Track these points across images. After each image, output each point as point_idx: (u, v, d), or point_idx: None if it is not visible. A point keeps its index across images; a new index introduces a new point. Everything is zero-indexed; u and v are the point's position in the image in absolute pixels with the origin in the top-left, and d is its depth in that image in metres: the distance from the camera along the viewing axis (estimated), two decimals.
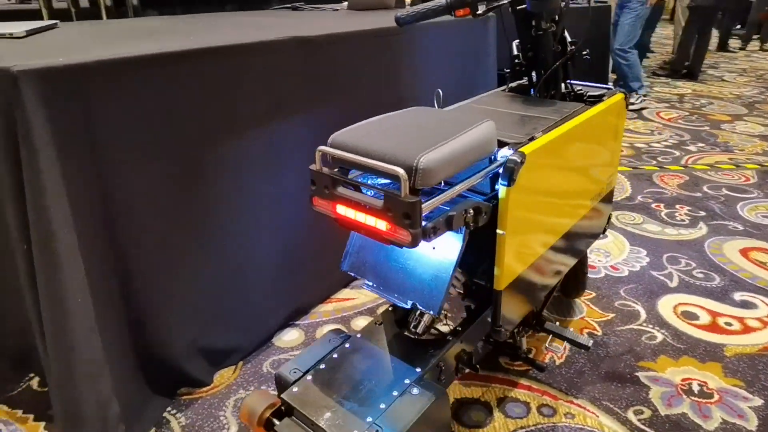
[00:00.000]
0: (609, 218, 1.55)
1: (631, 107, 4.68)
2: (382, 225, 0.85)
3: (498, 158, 1.02)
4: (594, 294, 1.93)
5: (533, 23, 1.28)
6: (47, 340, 1.04)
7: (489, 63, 2.70)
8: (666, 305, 1.87)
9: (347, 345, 1.12)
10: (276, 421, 0.99)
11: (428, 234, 0.84)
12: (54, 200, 1.00)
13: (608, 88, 1.41)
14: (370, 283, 1.06)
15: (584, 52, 1.36)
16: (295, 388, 1.01)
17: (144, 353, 1.33)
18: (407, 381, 1.01)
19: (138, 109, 1.14)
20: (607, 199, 1.48)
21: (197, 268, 1.40)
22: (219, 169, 1.38)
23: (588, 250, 1.70)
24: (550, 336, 1.43)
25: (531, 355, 1.57)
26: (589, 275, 2.03)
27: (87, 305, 1.08)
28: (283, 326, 1.74)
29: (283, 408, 1.00)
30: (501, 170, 0.95)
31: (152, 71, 1.14)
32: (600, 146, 1.31)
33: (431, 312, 0.97)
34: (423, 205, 0.82)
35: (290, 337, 1.70)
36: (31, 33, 1.39)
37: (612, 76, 5.14)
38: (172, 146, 1.25)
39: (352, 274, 1.09)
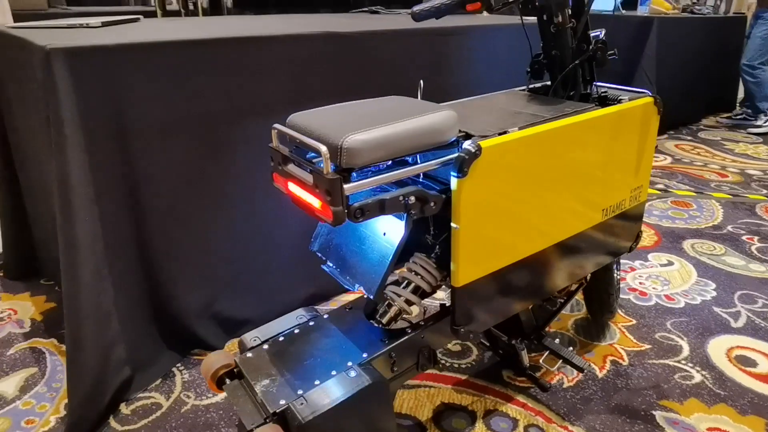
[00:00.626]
0: (638, 237, 1.41)
1: (754, 130, 4.14)
2: (315, 202, 0.87)
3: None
4: (634, 321, 1.76)
5: (551, 20, 1.22)
6: (61, 279, 1.21)
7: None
8: (718, 346, 1.64)
9: (311, 323, 1.15)
10: (227, 381, 1.05)
11: (355, 214, 0.85)
12: (74, 161, 1.16)
13: (643, 92, 1.29)
14: (331, 265, 1.08)
15: (610, 52, 1.26)
16: (249, 354, 1.07)
17: (159, 310, 1.47)
18: (350, 363, 1.01)
19: (161, 85, 1.28)
20: (633, 215, 1.35)
21: (216, 238, 1.51)
22: (243, 146, 1.49)
23: (615, 270, 1.56)
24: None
25: (539, 374, 1.48)
26: (638, 303, 1.85)
27: (96, 252, 1.23)
28: (299, 306, 1.80)
29: (235, 370, 1.06)
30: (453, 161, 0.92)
31: (174, 54, 1.28)
32: (613, 152, 1.21)
33: (370, 296, 0.97)
34: (348, 185, 0.83)
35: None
36: (106, 24, 1.62)
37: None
38: (195, 122, 1.38)
39: (319, 255, 1.13)
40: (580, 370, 1.32)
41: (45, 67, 1.11)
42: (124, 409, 1.38)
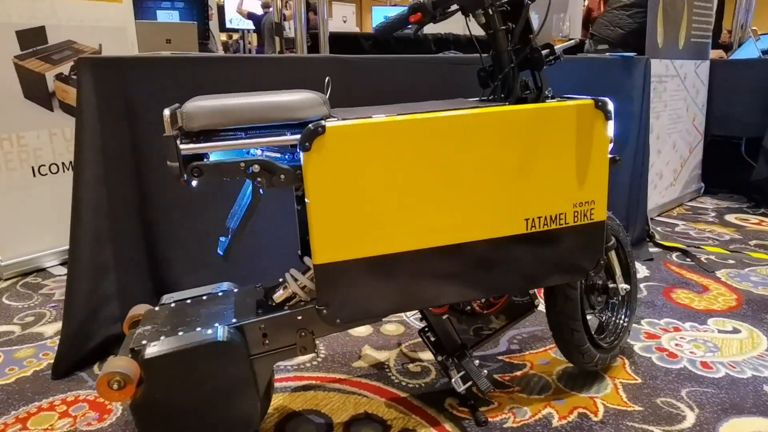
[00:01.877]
0: (598, 263, 1.23)
1: None
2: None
3: None
4: (639, 380, 1.48)
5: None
6: (69, 239, 1.52)
7: (630, 108, 2.34)
8: (739, 428, 1.29)
9: (219, 293, 1.25)
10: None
11: (192, 172, 0.96)
12: (88, 145, 1.48)
13: (601, 100, 1.18)
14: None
15: (548, 55, 1.19)
16: (157, 308, 1.21)
17: (157, 284, 1.71)
18: (217, 324, 1.09)
19: (166, 90, 1.56)
20: (584, 234, 1.19)
21: (212, 224, 1.71)
22: None
23: (602, 306, 1.35)
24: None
25: (485, 409, 1.34)
26: (658, 363, 1.56)
27: (98, 218, 1.51)
28: None
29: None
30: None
31: (177, 67, 1.58)
32: (533, 156, 1.11)
33: (219, 252, 1.05)
34: (182, 146, 0.95)
35: None
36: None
37: None
38: None
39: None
40: (481, 393, 1.17)
41: (77, 72, 1.47)
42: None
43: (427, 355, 1.60)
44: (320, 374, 1.52)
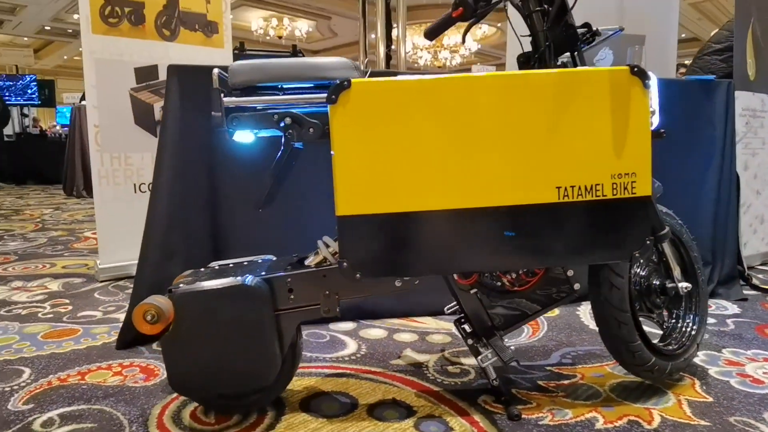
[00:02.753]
0: (645, 244, 1.14)
1: None
2: None
3: None
4: (710, 399, 1.29)
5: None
6: (145, 222, 1.69)
7: (711, 134, 2.19)
8: None
9: (259, 260, 1.32)
10: None
11: (232, 121, 1.07)
12: (170, 136, 1.69)
13: (630, 65, 1.14)
14: None
15: (583, 32, 1.20)
16: (203, 269, 1.30)
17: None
18: (247, 275, 1.15)
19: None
20: (625, 210, 1.12)
21: (273, 221, 1.81)
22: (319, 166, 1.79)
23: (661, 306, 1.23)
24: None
25: (522, 407, 1.25)
26: (738, 387, 1.37)
27: (170, 207, 1.68)
28: (341, 319, 1.89)
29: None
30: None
31: None
32: (564, 122, 1.09)
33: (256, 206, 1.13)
34: (226, 98, 1.07)
35: (345, 326, 1.85)
36: None
37: None
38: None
39: None
40: (503, 363, 1.08)
41: (168, 76, 1.72)
42: None
43: (469, 360, 1.53)
44: (357, 366, 1.50)
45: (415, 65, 15.51)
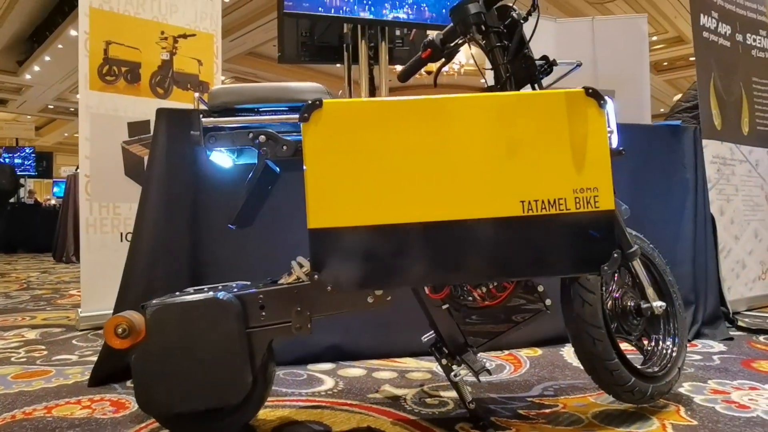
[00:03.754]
0: (611, 258, 1.16)
1: None
2: None
3: None
4: (695, 423, 1.26)
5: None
6: (126, 260, 1.70)
7: (683, 176, 2.27)
8: None
9: (234, 284, 1.32)
10: None
11: (208, 140, 1.12)
12: (155, 177, 1.74)
13: (585, 88, 1.22)
14: None
15: (542, 64, 1.29)
16: (178, 292, 1.30)
17: None
18: (220, 291, 1.15)
19: None
20: (588, 223, 1.16)
21: (253, 257, 1.81)
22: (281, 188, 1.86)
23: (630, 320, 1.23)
24: None
25: None
26: (724, 412, 1.34)
27: (154, 243, 1.70)
28: (319, 360, 1.85)
29: None
30: None
31: None
32: (524, 140, 1.15)
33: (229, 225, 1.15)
34: (204, 119, 1.13)
35: (324, 366, 1.81)
36: None
37: None
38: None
39: None
40: (474, 374, 1.06)
41: (156, 119, 1.79)
42: None
43: (448, 393, 1.49)
44: (333, 399, 1.46)
45: None
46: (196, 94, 1.14)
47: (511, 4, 1.35)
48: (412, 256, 1.11)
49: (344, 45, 3.47)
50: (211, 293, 1.13)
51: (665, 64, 11.58)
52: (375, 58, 3.38)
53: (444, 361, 1.22)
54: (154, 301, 1.12)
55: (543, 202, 1.15)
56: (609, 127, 1.21)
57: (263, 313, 1.15)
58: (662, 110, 13.33)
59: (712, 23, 2.86)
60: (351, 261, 1.11)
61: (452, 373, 1.16)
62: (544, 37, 3.12)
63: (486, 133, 1.15)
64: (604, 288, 1.27)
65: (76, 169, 7.08)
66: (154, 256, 1.70)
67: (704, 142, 2.60)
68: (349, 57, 3.48)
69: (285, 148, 1.14)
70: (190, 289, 1.31)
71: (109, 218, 2.55)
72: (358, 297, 1.17)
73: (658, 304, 1.31)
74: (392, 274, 1.12)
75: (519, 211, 1.15)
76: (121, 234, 2.59)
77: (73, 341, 2.20)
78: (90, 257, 2.48)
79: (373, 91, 3.81)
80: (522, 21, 1.32)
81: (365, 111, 1.13)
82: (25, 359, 1.90)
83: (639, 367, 1.30)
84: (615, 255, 1.17)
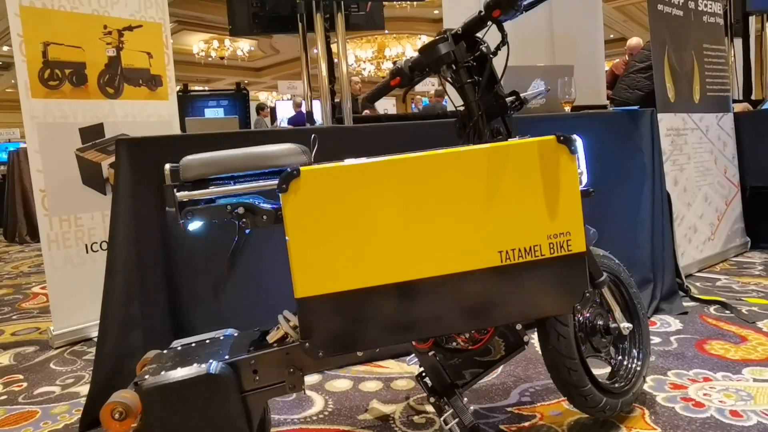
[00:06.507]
0: (583, 296, 1.23)
1: None
2: None
3: None
4: (657, 430, 1.39)
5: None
6: (102, 297, 1.68)
7: (642, 159, 2.36)
8: None
9: (221, 337, 1.34)
10: None
11: (185, 215, 1.09)
12: (122, 209, 1.68)
13: (556, 135, 1.23)
14: None
15: (516, 102, 1.29)
16: (165, 351, 1.31)
17: (179, 334, 1.81)
18: (211, 361, 1.17)
19: None
20: (563, 267, 1.21)
21: (233, 293, 1.84)
22: None
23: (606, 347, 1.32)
24: None
25: None
26: (683, 413, 1.47)
27: (127, 279, 1.67)
28: None
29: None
30: None
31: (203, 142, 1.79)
32: (499, 191, 1.17)
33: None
34: (178, 193, 1.09)
35: (310, 379, 1.87)
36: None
37: None
38: None
39: None
40: (465, 427, 1.15)
41: (116, 150, 1.71)
42: None
43: (432, 409, 1.58)
44: (325, 426, 1.54)
45: (360, 76, 15.68)
46: (167, 166, 1.10)
47: (480, 37, 1.33)
48: (399, 315, 1.15)
49: (298, 15, 3.32)
50: (202, 365, 1.14)
51: None
52: (331, 26, 3.25)
53: (432, 399, 1.29)
54: (147, 378, 1.12)
55: (520, 250, 1.20)
56: (579, 167, 1.24)
57: (257, 377, 1.18)
58: (612, 36, 13.40)
59: None
60: (340, 326, 1.13)
61: (443, 417, 1.23)
62: None
63: (463, 188, 1.17)
64: (576, 317, 1.35)
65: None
66: (128, 295, 1.68)
67: (659, 116, 2.68)
68: (303, 27, 3.33)
69: (265, 218, 1.12)
70: (177, 345, 1.32)
71: (71, 231, 2.46)
72: (349, 354, 1.21)
73: (625, 326, 1.41)
74: (380, 334, 1.15)
75: (497, 261, 1.19)
76: (86, 246, 2.51)
77: (51, 365, 2.18)
78: (55, 275, 2.41)
79: (331, 61, 3.69)
80: (491, 56, 1.30)
81: (343, 175, 1.12)
82: (5, 396, 1.88)
83: (608, 384, 1.41)
84: (587, 294, 1.24)
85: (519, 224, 1.19)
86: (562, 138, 1.20)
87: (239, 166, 1.12)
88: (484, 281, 1.18)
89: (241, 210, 1.11)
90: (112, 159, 2.58)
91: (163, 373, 1.14)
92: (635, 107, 2.41)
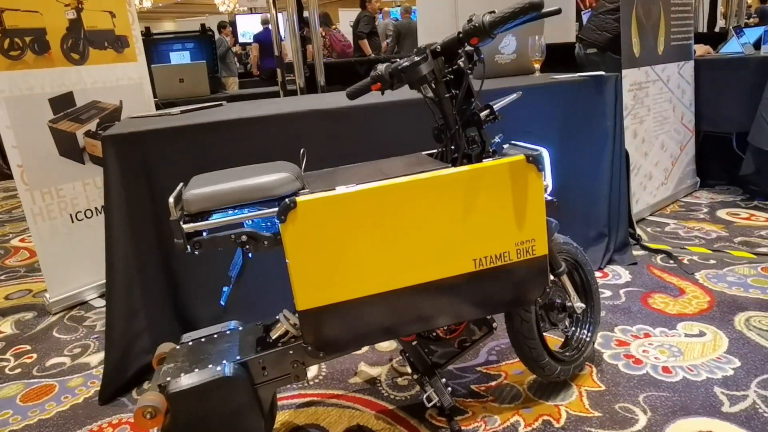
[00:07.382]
0: (545, 290, 1.43)
1: None
2: None
3: None
4: (603, 388, 1.67)
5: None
6: (105, 287, 1.80)
7: (604, 125, 2.50)
8: (684, 428, 1.47)
9: (227, 332, 1.50)
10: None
11: (193, 246, 1.20)
12: (115, 204, 1.76)
13: (525, 156, 1.35)
14: None
15: (490, 116, 1.39)
16: (177, 347, 1.47)
17: (180, 320, 1.98)
18: (225, 361, 1.34)
19: (178, 155, 1.83)
20: (528, 268, 1.39)
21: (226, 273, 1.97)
22: None
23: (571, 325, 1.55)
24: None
25: (460, 418, 1.56)
26: (624, 370, 1.74)
27: (128, 269, 1.79)
28: None
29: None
30: None
31: (186, 133, 1.84)
32: (475, 207, 1.31)
33: (221, 303, 1.30)
34: (185, 225, 1.20)
35: None
36: (184, 111, 2.28)
37: None
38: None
39: None
40: (445, 408, 1.39)
41: (103, 148, 1.75)
42: (146, 385, 1.90)
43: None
44: (321, 391, 1.76)
45: None
46: (171, 199, 1.18)
47: (459, 51, 1.39)
48: (387, 317, 1.33)
49: None
50: (218, 369, 1.30)
51: None
52: None
53: (416, 376, 1.51)
54: (169, 382, 1.29)
55: (491, 257, 1.37)
56: (545, 181, 1.38)
57: (265, 372, 1.36)
58: None
59: None
60: (336, 330, 1.31)
61: (425, 396, 1.46)
62: None
63: (442, 207, 1.30)
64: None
65: None
66: (129, 284, 1.80)
67: (624, 72, 2.78)
68: None
69: (266, 243, 1.24)
70: (188, 340, 1.48)
71: (54, 203, 2.50)
72: None
73: (579, 305, 1.62)
74: (373, 334, 1.34)
75: (472, 267, 1.36)
76: (71, 215, 2.57)
77: (54, 332, 2.32)
78: (44, 247, 2.48)
79: (300, 10, 3.58)
80: (468, 71, 1.38)
81: (335, 203, 1.24)
82: (20, 369, 2.04)
83: (561, 353, 1.65)
84: (548, 289, 1.43)
85: (491, 235, 1.35)
86: (531, 159, 1.33)
87: (239, 199, 1.21)
88: (460, 285, 1.35)
89: (244, 238, 1.22)
90: (87, 128, 2.57)
91: (183, 375, 1.30)
92: (600, 73, 2.50)
